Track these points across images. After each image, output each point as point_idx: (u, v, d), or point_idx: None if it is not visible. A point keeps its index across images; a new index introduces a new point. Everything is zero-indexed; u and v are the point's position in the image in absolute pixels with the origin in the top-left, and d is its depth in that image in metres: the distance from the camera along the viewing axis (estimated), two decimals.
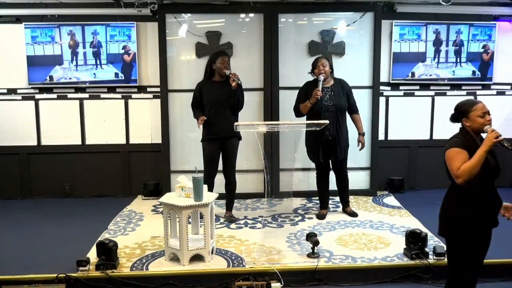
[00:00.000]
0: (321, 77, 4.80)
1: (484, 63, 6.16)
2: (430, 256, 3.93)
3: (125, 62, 5.95)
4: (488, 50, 6.10)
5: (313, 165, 5.18)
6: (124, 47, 5.91)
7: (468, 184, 2.72)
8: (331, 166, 5.11)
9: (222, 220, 5.04)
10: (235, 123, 4.14)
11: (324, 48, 5.84)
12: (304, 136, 5.10)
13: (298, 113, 4.99)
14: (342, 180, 5.17)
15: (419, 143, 6.25)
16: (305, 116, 4.96)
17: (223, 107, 4.82)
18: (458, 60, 6.12)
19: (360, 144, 5.10)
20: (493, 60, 6.14)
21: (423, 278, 3.83)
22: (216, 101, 4.82)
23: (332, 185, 5.21)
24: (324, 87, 4.88)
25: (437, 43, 6.05)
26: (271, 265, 3.86)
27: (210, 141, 4.89)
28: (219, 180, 5.04)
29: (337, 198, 5.38)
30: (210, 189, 4.72)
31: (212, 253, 4.07)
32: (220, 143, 4.89)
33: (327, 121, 4.35)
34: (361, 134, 5.09)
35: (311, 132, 4.74)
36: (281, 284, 3.68)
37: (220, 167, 5.00)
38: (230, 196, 5.08)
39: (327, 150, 4.92)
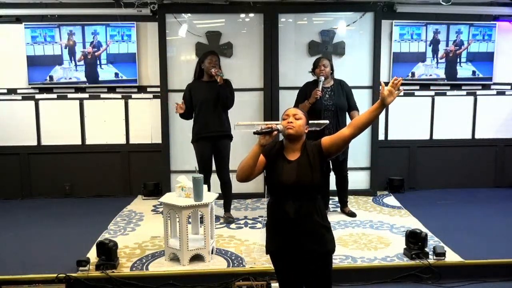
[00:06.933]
0: (322, 78, 4.81)
1: (450, 64, 6.12)
2: (430, 256, 3.93)
3: (86, 64, 5.92)
4: (453, 50, 6.08)
5: None
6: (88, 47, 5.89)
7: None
8: (331, 167, 5.10)
9: (221, 220, 5.04)
10: (235, 123, 4.12)
11: (324, 48, 5.84)
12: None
13: None
14: (343, 181, 5.17)
15: (419, 143, 6.24)
16: None
17: (214, 106, 4.77)
18: (458, 60, 6.13)
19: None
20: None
21: (423, 278, 3.83)
22: (206, 101, 4.78)
23: (332, 184, 5.19)
24: (324, 87, 4.88)
25: (435, 43, 6.05)
26: (271, 265, 3.84)
27: (201, 141, 4.84)
28: (215, 180, 5.01)
29: (337, 198, 5.38)
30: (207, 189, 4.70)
31: (212, 253, 4.07)
32: (211, 143, 4.84)
33: (327, 121, 4.33)
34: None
35: (311, 132, 4.72)
36: None
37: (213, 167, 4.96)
38: (226, 197, 5.05)
39: None
